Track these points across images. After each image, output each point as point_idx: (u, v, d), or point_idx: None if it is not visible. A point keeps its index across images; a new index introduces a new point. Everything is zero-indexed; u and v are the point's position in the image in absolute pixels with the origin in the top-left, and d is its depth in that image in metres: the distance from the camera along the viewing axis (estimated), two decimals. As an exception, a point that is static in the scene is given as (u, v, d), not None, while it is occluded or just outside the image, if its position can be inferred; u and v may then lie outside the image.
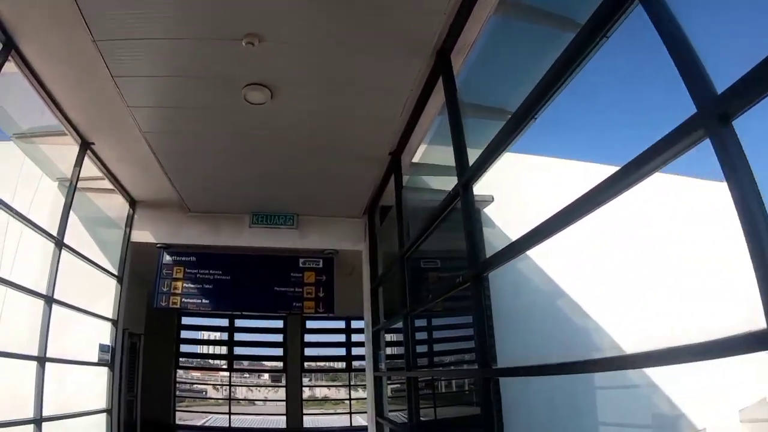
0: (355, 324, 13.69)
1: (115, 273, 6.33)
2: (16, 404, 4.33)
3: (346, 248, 7.11)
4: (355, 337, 13.97)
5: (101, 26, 3.35)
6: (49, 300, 4.61)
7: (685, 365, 1.47)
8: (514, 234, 2.68)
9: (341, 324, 13.99)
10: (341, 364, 14.74)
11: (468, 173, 3.22)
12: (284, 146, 5.09)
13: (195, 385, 14.82)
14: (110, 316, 6.17)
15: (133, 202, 6.69)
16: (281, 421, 12.48)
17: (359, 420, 13.05)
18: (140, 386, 9.04)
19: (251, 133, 4.87)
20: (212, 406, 14.11)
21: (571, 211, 2.10)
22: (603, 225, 3.26)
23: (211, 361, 15.09)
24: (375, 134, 4.85)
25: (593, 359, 2.10)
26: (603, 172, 1.91)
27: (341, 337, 14.16)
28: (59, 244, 4.81)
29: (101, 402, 5.86)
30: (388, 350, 6.59)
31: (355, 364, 14.03)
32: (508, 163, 3.19)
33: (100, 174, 5.69)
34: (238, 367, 14.16)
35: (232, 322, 13.33)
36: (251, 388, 15.09)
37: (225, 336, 13.81)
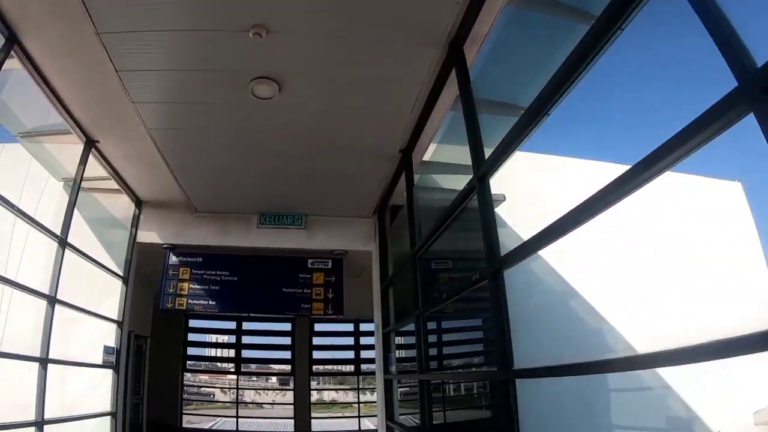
0: (363, 327, 13.58)
1: (121, 274, 6.26)
2: (19, 406, 4.24)
3: (356, 249, 7.01)
4: (363, 340, 13.84)
5: (104, 18, 3.27)
6: (52, 300, 4.53)
7: (698, 367, 1.46)
8: (527, 234, 2.62)
9: (350, 327, 13.87)
10: (350, 368, 14.64)
11: (485, 167, 3.11)
12: (292, 142, 4.98)
13: (202, 388, 14.80)
14: (115, 318, 6.09)
15: (139, 202, 6.62)
16: (289, 425, 12.41)
17: (367, 423, 12.96)
18: (146, 389, 9.01)
19: (258, 129, 4.77)
20: (220, 410, 14.05)
21: (588, 206, 2.05)
22: (616, 224, 3.17)
23: (218, 364, 15.05)
24: (385, 130, 4.74)
25: (614, 359, 2.05)
26: (617, 171, 1.87)
27: (350, 340, 14.04)
28: (63, 243, 4.73)
29: (106, 405, 5.77)
30: (397, 353, 6.45)
31: (364, 367, 13.91)
32: (518, 162, 3.13)
33: (106, 174, 5.63)
34: (245, 370, 14.08)
35: (239, 325, 13.28)
36: (259, 391, 15.02)
37: (233, 339, 13.76)
